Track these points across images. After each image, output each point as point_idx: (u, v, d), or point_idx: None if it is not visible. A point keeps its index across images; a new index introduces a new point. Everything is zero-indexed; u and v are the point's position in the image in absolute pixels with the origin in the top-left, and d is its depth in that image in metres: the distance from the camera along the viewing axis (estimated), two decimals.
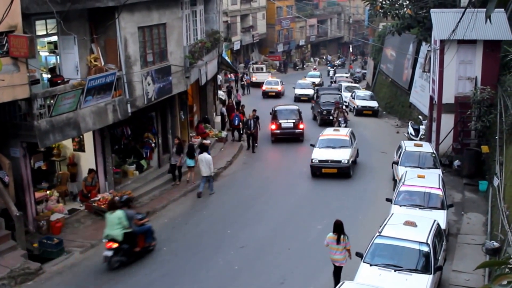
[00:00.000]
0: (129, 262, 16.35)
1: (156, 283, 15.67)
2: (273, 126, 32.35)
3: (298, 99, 47.07)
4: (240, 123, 32.07)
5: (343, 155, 25.22)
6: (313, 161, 25.16)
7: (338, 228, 14.61)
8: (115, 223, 16.28)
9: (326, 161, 25.00)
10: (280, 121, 32.26)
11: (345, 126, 31.42)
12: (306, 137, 32.01)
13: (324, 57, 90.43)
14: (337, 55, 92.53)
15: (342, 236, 14.50)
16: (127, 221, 16.41)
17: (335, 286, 13.36)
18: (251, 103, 39.84)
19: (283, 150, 31.23)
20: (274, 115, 33.02)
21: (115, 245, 15.98)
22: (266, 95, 49.27)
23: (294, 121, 32.22)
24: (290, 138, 31.90)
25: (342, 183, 24.48)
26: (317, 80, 57.09)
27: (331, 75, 64.74)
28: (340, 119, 32.82)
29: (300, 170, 26.18)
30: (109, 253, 16.05)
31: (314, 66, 74.32)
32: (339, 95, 38.95)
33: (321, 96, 38.40)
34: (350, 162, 25.13)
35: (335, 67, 71.12)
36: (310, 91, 47.15)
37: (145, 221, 17.27)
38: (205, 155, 23.33)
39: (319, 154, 25.38)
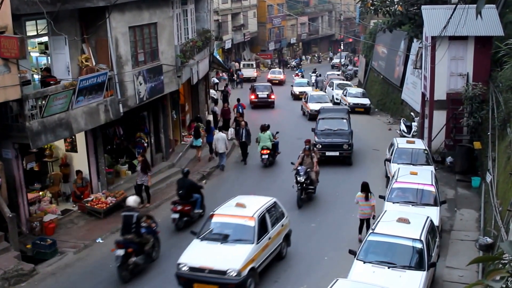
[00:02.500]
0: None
1: (151, 283, 15.65)
2: (252, 97, 43.51)
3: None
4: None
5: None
6: None
7: (365, 188, 18.10)
8: (267, 138, 26.72)
9: None
10: (258, 93, 43.60)
11: (305, 186, 21.35)
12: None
13: (316, 55, 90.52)
14: (298, 56, 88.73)
15: (369, 194, 17.89)
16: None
17: (360, 234, 17.78)
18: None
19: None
20: (253, 89, 44.39)
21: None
22: (271, 82, 53.53)
23: (267, 93, 43.79)
24: (264, 105, 42.95)
25: (335, 180, 24.51)
26: (307, 89, 46.16)
27: (313, 80, 55.76)
28: (299, 168, 21.30)
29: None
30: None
31: (297, 72, 63.83)
32: (345, 120, 28.46)
33: (319, 122, 28.51)
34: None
35: (316, 72, 60.19)
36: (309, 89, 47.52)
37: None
38: (221, 134, 27.02)
39: None
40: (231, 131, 31.36)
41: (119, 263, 15.34)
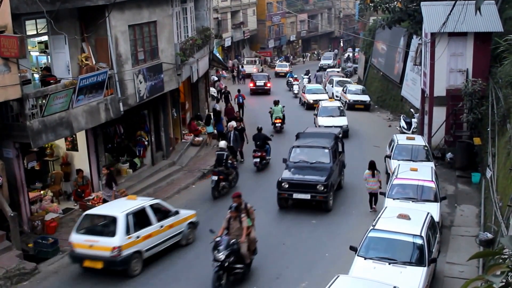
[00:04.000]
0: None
1: (151, 281, 15.68)
2: (251, 85, 50.20)
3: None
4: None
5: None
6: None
7: (372, 166, 20.45)
8: (279, 110, 32.87)
9: None
10: (256, 81, 50.28)
11: (227, 265, 14.62)
12: None
13: (316, 52, 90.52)
14: (283, 55, 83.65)
15: (375, 171, 20.33)
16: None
17: (371, 208, 20.45)
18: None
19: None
20: (252, 79, 51.24)
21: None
22: (278, 75, 62.91)
23: (264, 81, 50.31)
24: (262, 91, 49.18)
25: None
26: (322, 97, 40.34)
27: (305, 83, 51.37)
28: (220, 239, 14.80)
29: None
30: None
31: (288, 77, 55.47)
32: (328, 149, 21.82)
33: (293, 151, 22.28)
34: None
35: (309, 74, 57.82)
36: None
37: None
38: (233, 123, 28.12)
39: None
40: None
41: (214, 185, 22.34)
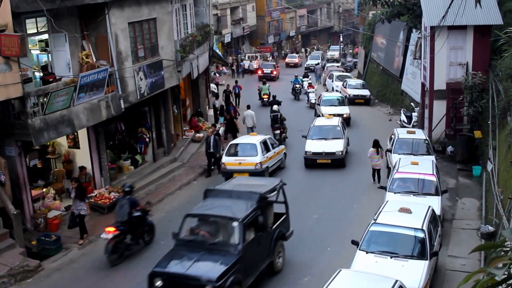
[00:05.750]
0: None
1: None
2: (259, 72, 56.05)
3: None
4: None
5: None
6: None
7: (376, 144, 22.60)
8: (266, 89, 40.54)
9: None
10: (263, 69, 56.59)
11: None
12: None
13: (315, 47, 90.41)
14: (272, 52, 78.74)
15: (379, 148, 22.44)
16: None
17: (374, 180, 22.74)
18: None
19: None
20: (260, 67, 57.89)
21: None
22: (288, 65, 69.34)
23: (271, 69, 56.95)
24: (268, 78, 51.66)
25: (336, 172, 24.57)
26: (343, 111, 34.04)
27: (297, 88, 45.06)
28: None
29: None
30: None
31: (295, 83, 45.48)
32: (236, 223, 13.94)
33: (185, 222, 14.74)
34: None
35: (309, 77, 50.59)
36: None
37: None
38: (249, 111, 30.80)
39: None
40: (222, 129, 31.01)
41: (278, 137, 28.14)
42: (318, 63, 61.73)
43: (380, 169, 22.73)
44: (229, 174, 22.14)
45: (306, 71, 58.19)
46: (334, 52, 79.36)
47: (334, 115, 29.56)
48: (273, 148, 24.79)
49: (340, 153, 24.96)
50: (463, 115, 24.72)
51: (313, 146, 25.50)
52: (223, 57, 55.64)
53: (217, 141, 25.17)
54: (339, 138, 25.80)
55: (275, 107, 31.19)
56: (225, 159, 23.63)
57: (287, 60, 72.97)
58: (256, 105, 39.08)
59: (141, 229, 17.46)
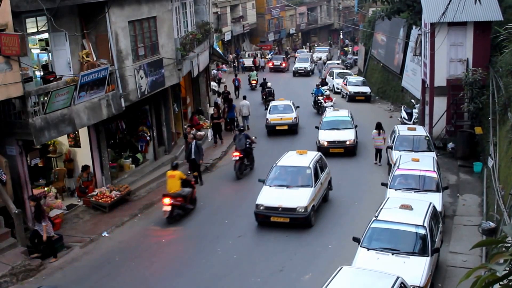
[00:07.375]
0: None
1: (155, 275, 15.79)
2: (270, 64, 61.11)
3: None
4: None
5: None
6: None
7: (379, 126, 24.99)
8: (255, 75, 47.16)
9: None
10: (274, 61, 61.30)
11: None
12: None
13: (316, 45, 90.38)
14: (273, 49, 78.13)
15: (381, 130, 24.77)
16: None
17: (376, 159, 25.16)
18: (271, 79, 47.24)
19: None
20: (271, 59, 64.28)
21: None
22: (272, 70, 63.74)
23: (280, 61, 61.15)
24: (278, 70, 59.97)
25: (337, 169, 24.55)
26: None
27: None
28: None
29: None
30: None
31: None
32: None
33: None
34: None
35: (323, 91, 38.35)
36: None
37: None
38: (245, 101, 32.52)
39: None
40: (210, 131, 30.23)
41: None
42: (321, 58, 62.63)
43: (382, 149, 24.78)
44: (272, 127, 30.99)
45: (322, 78, 47.68)
46: (320, 54, 68.54)
47: (332, 145, 26.42)
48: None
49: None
50: (464, 111, 24.71)
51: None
52: (224, 55, 55.60)
53: (198, 146, 23.68)
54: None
55: (269, 84, 39.77)
56: (269, 116, 31.34)
57: (271, 64, 62.22)
58: (246, 89, 45.88)
59: (251, 156, 24.82)
